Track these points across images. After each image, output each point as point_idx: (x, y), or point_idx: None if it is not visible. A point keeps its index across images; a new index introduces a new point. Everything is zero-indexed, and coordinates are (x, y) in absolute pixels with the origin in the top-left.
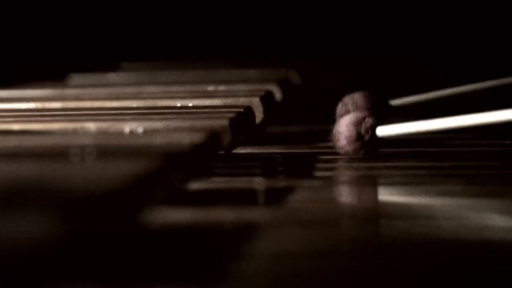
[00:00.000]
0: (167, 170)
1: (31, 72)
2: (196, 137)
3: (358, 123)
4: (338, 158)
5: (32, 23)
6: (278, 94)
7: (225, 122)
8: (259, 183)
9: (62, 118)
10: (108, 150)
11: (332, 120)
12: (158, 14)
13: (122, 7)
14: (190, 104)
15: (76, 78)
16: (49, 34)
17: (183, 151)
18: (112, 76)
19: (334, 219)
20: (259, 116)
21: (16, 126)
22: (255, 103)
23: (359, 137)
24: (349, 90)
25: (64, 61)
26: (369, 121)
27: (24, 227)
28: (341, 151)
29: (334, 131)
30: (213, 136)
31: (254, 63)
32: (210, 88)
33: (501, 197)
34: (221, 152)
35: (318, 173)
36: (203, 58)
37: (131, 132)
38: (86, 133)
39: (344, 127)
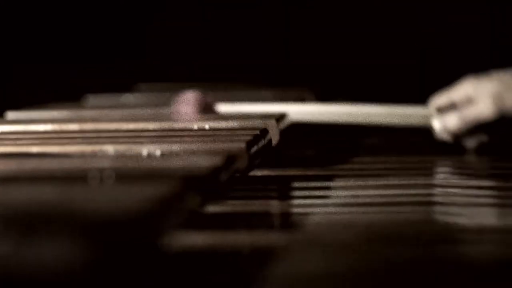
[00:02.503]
0: (187, 193)
1: (47, 93)
2: (214, 160)
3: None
4: (353, 180)
5: (48, 44)
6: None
7: (242, 145)
8: (275, 206)
9: (80, 140)
10: (127, 173)
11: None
12: (173, 36)
13: (138, 29)
14: (207, 127)
15: (92, 99)
16: (65, 55)
17: (202, 175)
18: (127, 97)
19: (351, 242)
20: (275, 138)
21: (34, 149)
22: (271, 125)
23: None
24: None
25: (80, 81)
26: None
27: (48, 252)
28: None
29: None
30: (230, 159)
31: (269, 83)
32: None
33: None
34: (238, 174)
35: (334, 195)
36: (217, 78)
37: (149, 155)
38: (104, 156)
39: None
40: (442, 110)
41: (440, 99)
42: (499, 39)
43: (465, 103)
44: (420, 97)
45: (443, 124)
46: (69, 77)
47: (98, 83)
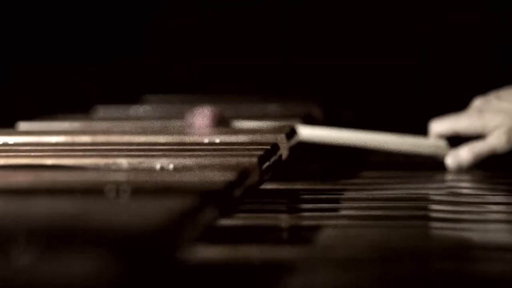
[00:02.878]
0: (203, 207)
1: (55, 104)
2: (227, 175)
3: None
4: (362, 194)
5: (48, 45)
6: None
7: (253, 160)
8: (286, 220)
9: (93, 153)
10: (142, 187)
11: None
12: (173, 36)
13: (138, 29)
14: (217, 141)
15: (101, 110)
16: (64, 56)
17: (217, 189)
18: (136, 109)
19: (360, 258)
20: (284, 152)
21: (48, 161)
22: (281, 139)
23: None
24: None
25: (81, 82)
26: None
27: (69, 266)
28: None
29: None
30: (243, 173)
31: (276, 98)
32: (237, 124)
33: None
34: (249, 188)
35: (344, 210)
36: (224, 90)
37: (162, 169)
38: (118, 169)
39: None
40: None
41: (443, 127)
42: (499, 39)
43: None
44: (420, 97)
45: (456, 160)
46: (69, 78)
47: (99, 83)
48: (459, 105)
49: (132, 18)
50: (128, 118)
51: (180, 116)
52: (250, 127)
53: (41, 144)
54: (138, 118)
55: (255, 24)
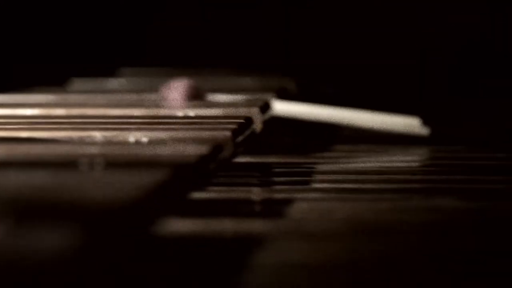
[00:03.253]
0: (176, 181)
1: (30, 75)
2: (201, 149)
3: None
4: (336, 168)
5: (30, 27)
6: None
7: (227, 133)
8: (259, 193)
9: (67, 126)
10: (116, 160)
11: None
12: (157, 21)
13: (121, 14)
14: (192, 114)
15: (77, 84)
16: (47, 37)
17: (190, 163)
18: (112, 82)
19: (333, 231)
20: (258, 126)
21: (23, 134)
22: (255, 113)
23: None
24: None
25: (63, 64)
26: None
27: (40, 238)
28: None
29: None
30: (217, 147)
31: (251, 71)
32: (211, 97)
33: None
34: (222, 161)
35: (317, 183)
36: (201, 64)
37: (136, 142)
38: (92, 142)
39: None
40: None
41: None
42: (499, 39)
43: None
44: (420, 97)
45: None
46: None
47: (80, 66)
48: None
49: (132, 18)
50: (103, 91)
51: (155, 89)
52: (225, 101)
53: (15, 117)
54: (113, 91)
55: (255, 24)
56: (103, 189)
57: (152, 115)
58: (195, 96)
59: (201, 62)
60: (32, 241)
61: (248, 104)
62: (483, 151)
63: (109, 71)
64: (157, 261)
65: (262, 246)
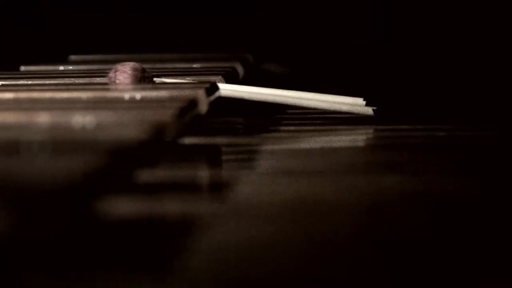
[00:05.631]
0: (116, 164)
1: None
2: (143, 131)
3: None
4: (282, 148)
5: None
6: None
7: (172, 114)
8: (203, 174)
9: (14, 109)
10: (61, 144)
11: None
12: (107, 7)
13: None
14: (138, 96)
15: (25, 69)
16: None
17: (132, 145)
18: (60, 68)
19: (277, 212)
20: (204, 107)
21: None
22: (200, 95)
23: None
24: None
25: (14, 53)
26: None
27: None
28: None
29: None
30: (160, 129)
31: (200, 55)
32: (157, 80)
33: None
34: (167, 142)
35: (261, 164)
36: (149, 50)
37: (81, 125)
38: (37, 126)
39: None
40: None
41: None
42: (498, 38)
43: None
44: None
45: None
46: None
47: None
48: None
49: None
50: (51, 76)
51: (104, 73)
52: (171, 83)
53: None
54: (63, 76)
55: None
56: (45, 172)
57: (99, 98)
58: (142, 79)
59: (149, 48)
60: None
61: (193, 86)
62: (426, 129)
63: (58, 59)
64: (96, 244)
65: (208, 227)
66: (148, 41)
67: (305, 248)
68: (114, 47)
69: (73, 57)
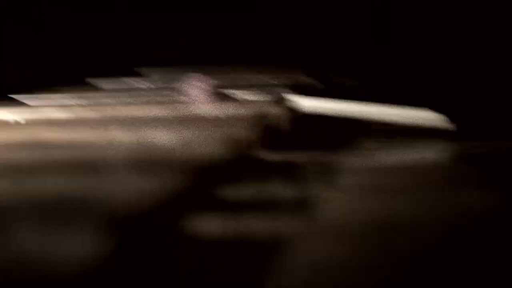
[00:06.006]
0: (202, 181)
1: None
2: (224, 148)
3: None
4: (364, 163)
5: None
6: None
7: (249, 131)
8: (289, 192)
9: (95, 127)
10: (142, 162)
11: None
12: (107, 7)
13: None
14: (221, 114)
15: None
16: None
17: (215, 162)
18: (131, 81)
19: (365, 230)
20: (282, 123)
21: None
22: (283, 111)
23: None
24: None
25: (14, 53)
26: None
27: (75, 244)
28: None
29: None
30: (240, 145)
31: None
32: (234, 95)
33: None
34: (246, 159)
35: (345, 182)
36: (150, 50)
37: (165, 143)
38: (119, 144)
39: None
40: None
41: None
42: (498, 38)
43: None
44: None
45: None
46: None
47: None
48: None
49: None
50: (126, 90)
51: (174, 87)
52: (246, 98)
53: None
54: (136, 90)
55: None
56: (131, 192)
57: (179, 115)
58: (215, 94)
59: (149, 48)
60: (64, 245)
61: (270, 101)
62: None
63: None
64: (185, 261)
65: (294, 246)
66: (148, 41)
67: (396, 265)
68: (114, 47)
69: (137, 70)
